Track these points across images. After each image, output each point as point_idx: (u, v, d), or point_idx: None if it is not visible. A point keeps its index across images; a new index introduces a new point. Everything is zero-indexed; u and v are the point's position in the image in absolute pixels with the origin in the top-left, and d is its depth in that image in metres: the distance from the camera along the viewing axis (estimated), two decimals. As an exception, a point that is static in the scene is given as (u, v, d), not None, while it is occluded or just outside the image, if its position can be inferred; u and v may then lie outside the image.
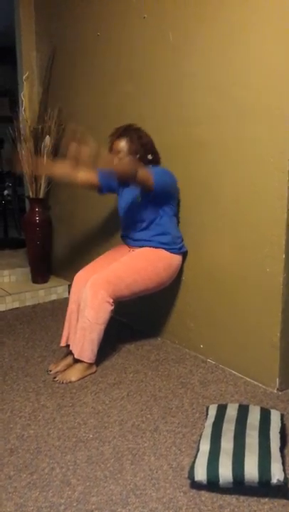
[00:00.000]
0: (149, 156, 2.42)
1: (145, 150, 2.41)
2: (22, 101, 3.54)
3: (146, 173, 2.26)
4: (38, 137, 3.47)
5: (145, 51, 2.67)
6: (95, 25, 3.03)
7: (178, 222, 2.58)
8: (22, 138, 3.47)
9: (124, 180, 2.42)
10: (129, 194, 2.54)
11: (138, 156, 2.38)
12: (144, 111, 2.74)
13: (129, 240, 2.62)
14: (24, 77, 3.60)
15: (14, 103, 6.30)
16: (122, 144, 2.38)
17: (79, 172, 2.43)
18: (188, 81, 2.43)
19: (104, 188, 2.64)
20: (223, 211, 2.34)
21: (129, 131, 2.40)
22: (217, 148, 2.33)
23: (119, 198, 2.65)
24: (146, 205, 2.45)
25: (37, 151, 3.48)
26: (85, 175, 2.50)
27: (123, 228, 2.67)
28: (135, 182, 2.24)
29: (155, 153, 2.49)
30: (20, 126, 3.49)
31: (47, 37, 3.57)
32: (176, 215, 2.57)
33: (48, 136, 3.45)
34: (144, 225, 2.51)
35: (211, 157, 2.36)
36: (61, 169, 2.45)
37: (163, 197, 2.42)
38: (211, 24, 2.26)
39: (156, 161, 2.50)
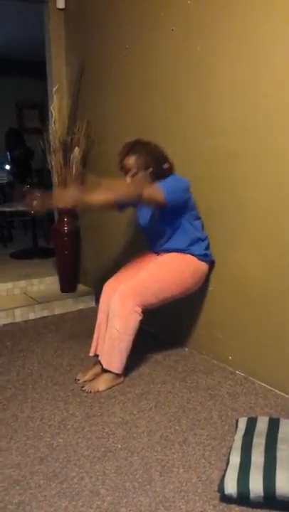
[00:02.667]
0: (166, 165, 2.37)
1: (158, 162, 2.36)
2: (52, 113, 3.60)
3: (154, 193, 2.22)
4: (67, 149, 3.53)
5: (173, 63, 2.69)
6: (124, 38, 3.07)
7: (202, 224, 2.56)
8: (52, 149, 3.53)
9: (133, 202, 2.41)
10: (147, 209, 2.53)
11: (151, 169, 2.34)
12: (171, 122, 2.75)
13: (154, 248, 2.64)
14: (54, 90, 3.67)
15: (44, 115, 6.43)
16: (132, 161, 2.32)
17: (93, 196, 2.43)
18: (216, 92, 2.43)
19: (122, 205, 2.60)
20: (253, 221, 2.33)
21: (137, 147, 2.34)
22: (247, 159, 2.32)
23: (137, 212, 2.64)
24: (165, 217, 2.44)
25: (66, 162, 3.54)
26: (100, 196, 2.51)
27: (147, 241, 2.68)
28: (143, 203, 2.22)
29: (169, 163, 2.43)
30: (50, 137, 3.56)
31: (76, 51, 3.64)
32: (199, 217, 2.54)
33: (77, 148, 3.50)
34: (166, 236, 2.50)
35: (241, 168, 2.36)
36: (73, 196, 2.36)
37: (179, 208, 2.39)
38: (239, 35, 2.27)
39: (170, 170, 2.44)
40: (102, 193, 2.19)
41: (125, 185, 2.22)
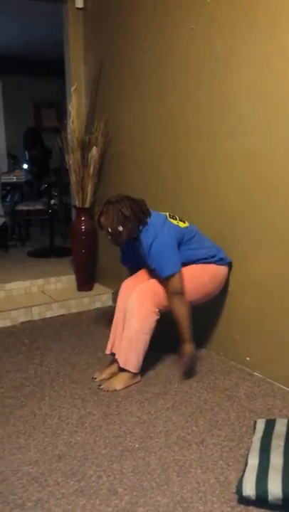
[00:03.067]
0: (125, 228, 2.29)
1: (126, 221, 2.28)
2: (70, 112, 3.62)
3: (175, 282, 2.31)
4: (85, 148, 3.54)
5: (192, 62, 2.68)
6: (142, 36, 3.07)
7: (199, 235, 2.50)
8: (70, 149, 3.55)
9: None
10: (138, 250, 2.45)
11: (121, 228, 2.28)
12: (190, 121, 2.74)
13: None
14: (72, 89, 3.68)
15: (61, 114, 6.44)
16: (104, 221, 2.29)
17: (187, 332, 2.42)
18: (236, 91, 2.42)
19: (134, 268, 2.64)
20: (272, 222, 2.31)
21: (107, 207, 2.29)
22: (266, 160, 2.30)
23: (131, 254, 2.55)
24: None
25: (84, 161, 3.55)
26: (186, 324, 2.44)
27: None
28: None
29: (139, 217, 2.32)
30: (68, 137, 3.57)
31: (95, 50, 3.65)
32: (192, 235, 2.46)
33: (94, 147, 3.51)
34: None
35: (260, 168, 2.34)
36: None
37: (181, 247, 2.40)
38: (261, 34, 2.25)
39: (143, 221, 2.35)
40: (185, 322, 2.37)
41: (178, 309, 2.35)
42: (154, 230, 2.34)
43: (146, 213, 2.37)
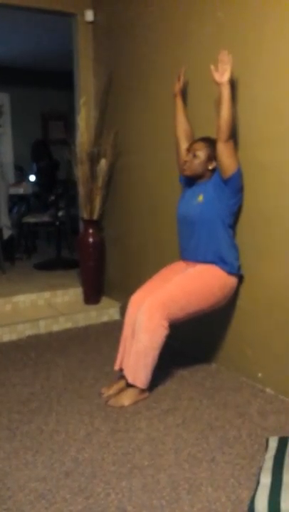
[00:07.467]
0: (204, 157, 2.50)
1: (209, 156, 2.49)
2: (79, 125, 3.63)
3: (232, 150, 2.39)
4: (93, 160, 3.55)
5: (202, 74, 2.68)
6: (152, 49, 3.08)
7: (234, 234, 2.52)
8: (78, 161, 3.55)
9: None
10: (191, 196, 2.55)
11: (209, 161, 2.49)
12: (200, 133, 2.73)
13: (185, 251, 2.61)
14: (82, 102, 3.70)
15: (68, 126, 6.48)
16: (200, 146, 2.50)
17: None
18: (246, 103, 2.41)
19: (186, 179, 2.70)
20: (284, 235, 2.29)
21: (210, 140, 2.51)
22: (277, 171, 2.29)
23: (179, 201, 2.66)
24: (206, 206, 2.44)
25: (92, 173, 3.55)
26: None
27: (180, 236, 2.65)
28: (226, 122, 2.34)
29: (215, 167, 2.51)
30: (77, 149, 3.58)
31: (104, 63, 3.67)
32: (233, 226, 2.50)
33: (103, 159, 3.51)
34: (200, 231, 2.47)
35: (271, 180, 2.32)
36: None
37: (232, 193, 2.42)
38: (272, 47, 2.25)
39: (213, 170, 2.51)
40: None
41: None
42: None
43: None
